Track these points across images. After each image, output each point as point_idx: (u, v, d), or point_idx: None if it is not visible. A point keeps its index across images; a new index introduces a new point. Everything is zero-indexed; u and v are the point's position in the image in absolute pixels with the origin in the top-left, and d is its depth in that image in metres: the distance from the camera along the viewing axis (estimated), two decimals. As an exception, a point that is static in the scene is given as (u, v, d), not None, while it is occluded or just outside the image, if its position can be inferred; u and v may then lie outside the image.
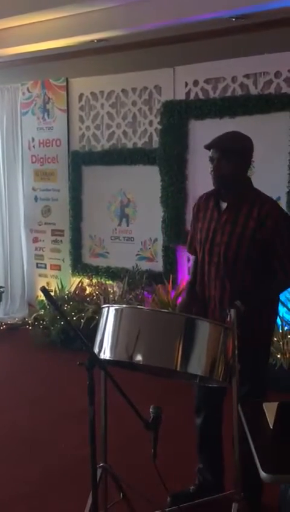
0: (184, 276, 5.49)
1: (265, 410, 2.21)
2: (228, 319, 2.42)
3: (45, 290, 2.05)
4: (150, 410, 2.24)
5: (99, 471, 2.48)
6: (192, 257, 3.12)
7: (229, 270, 2.78)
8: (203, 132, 5.13)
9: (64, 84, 6.40)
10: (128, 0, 4.96)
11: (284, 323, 4.84)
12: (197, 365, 2.35)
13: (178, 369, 2.34)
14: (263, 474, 1.84)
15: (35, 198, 6.80)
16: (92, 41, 5.73)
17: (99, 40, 5.70)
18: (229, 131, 2.90)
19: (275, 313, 2.99)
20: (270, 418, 2.10)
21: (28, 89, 6.72)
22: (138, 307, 2.58)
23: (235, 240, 2.76)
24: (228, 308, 2.54)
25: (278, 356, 4.64)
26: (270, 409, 2.16)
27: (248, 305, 2.60)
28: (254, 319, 2.76)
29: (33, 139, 6.74)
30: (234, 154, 2.76)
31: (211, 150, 2.80)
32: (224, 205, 2.84)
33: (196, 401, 3.06)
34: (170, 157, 5.51)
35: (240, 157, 2.80)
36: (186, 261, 5.57)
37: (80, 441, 3.66)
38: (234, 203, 2.80)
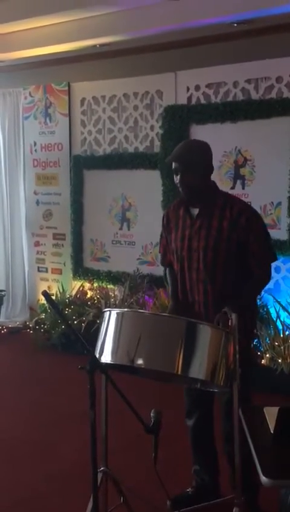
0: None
1: (266, 415, 2.21)
2: (229, 323, 2.42)
3: (46, 294, 2.06)
4: (151, 414, 2.24)
5: (100, 475, 2.48)
6: (167, 269, 3.11)
7: (209, 273, 2.81)
8: (205, 137, 5.08)
9: (66, 88, 6.42)
10: (131, 5, 4.99)
11: (285, 328, 4.84)
12: (198, 369, 2.36)
13: (179, 373, 2.35)
14: (263, 478, 1.84)
15: (37, 202, 6.82)
16: (94, 46, 5.75)
17: (101, 45, 5.72)
18: (186, 141, 3.00)
19: (255, 313, 3.05)
20: (271, 423, 2.10)
21: (30, 93, 6.74)
22: (139, 310, 2.59)
23: (212, 243, 2.79)
24: (218, 316, 2.58)
25: (279, 361, 4.64)
26: (271, 414, 2.16)
27: (235, 310, 2.59)
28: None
29: (35, 143, 6.75)
30: (196, 166, 2.80)
31: (173, 163, 2.83)
32: (195, 211, 2.87)
33: (186, 404, 3.09)
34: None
35: (202, 166, 2.83)
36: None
37: (81, 444, 3.65)
38: (206, 208, 2.84)
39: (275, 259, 2.90)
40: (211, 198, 2.86)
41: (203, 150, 2.87)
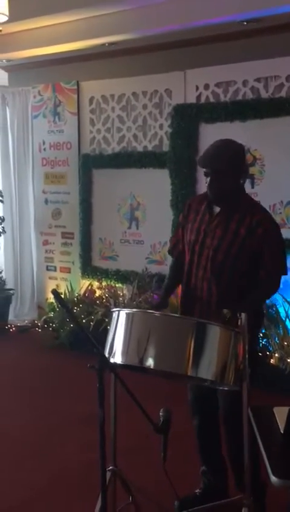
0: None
1: (275, 415, 2.20)
2: (239, 323, 2.42)
3: (55, 293, 2.05)
4: (160, 413, 2.24)
5: (108, 474, 2.48)
6: (173, 261, 3.11)
7: (215, 273, 2.79)
8: (214, 136, 5.07)
9: (75, 87, 6.42)
10: (140, 3, 4.98)
11: (294, 328, 4.82)
12: (208, 370, 2.35)
13: (189, 373, 2.35)
14: (273, 478, 1.83)
15: (46, 201, 6.82)
16: (104, 44, 5.75)
17: (110, 44, 5.71)
18: (219, 143, 2.82)
19: (260, 319, 3.01)
20: (281, 423, 2.09)
21: (39, 92, 6.74)
22: (148, 311, 2.57)
23: (225, 245, 2.77)
24: (222, 313, 2.58)
25: (289, 360, 4.62)
26: (280, 414, 2.15)
27: (235, 314, 2.55)
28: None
29: (44, 142, 6.76)
30: (228, 172, 2.75)
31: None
32: (217, 209, 2.85)
33: (190, 404, 3.07)
34: (180, 161, 5.51)
35: (234, 172, 2.78)
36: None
37: (89, 443, 3.66)
38: (227, 209, 2.81)
39: (286, 273, 2.83)
40: (235, 201, 2.82)
41: (234, 152, 2.79)
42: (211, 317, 2.65)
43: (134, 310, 2.63)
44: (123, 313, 2.47)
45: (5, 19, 2.72)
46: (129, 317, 2.46)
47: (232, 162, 2.76)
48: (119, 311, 2.50)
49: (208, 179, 2.78)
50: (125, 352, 2.40)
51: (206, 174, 2.80)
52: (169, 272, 3.13)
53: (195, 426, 3.08)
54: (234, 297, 2.76)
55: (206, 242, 2.82)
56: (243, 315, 2.42)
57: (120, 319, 2.46)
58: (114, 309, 2.55)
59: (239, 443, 2.43)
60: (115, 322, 2.48)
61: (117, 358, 2.40)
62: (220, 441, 3.06)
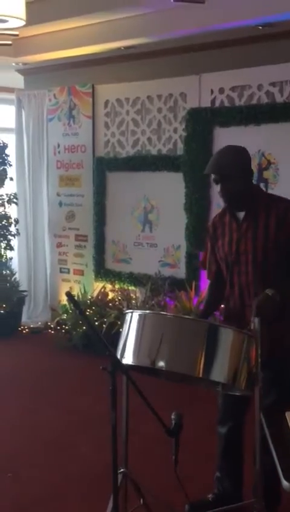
0: (207, 283, 5.48)
1: (288, 420, 2.20)
2: (252, 327, 2.42)
3: (69, 295, 2.07)
4: (172, 416, 2.24)
5: (120, 477, 2.48)
6: (209, 281, 3.11)
7: (259, 274, 2.77)
8: (228, 139, 5.11)
9: (90, 90, 6.45)
10: (156, 8, 4.99)
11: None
12: (220, 372, 2.35)
13: (200, 376, 2.35)
14: (285, 483, 1.83)
15: (60, 204, 6.85)
16: (119, 48, 5.77)
17: (126, 47, 5.73)
18: (222, 150, 2.90)
19: None
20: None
21: (54, 95, 6.78)
22: (161, 312, 2.59)
23: (260, 243, 2.77)
24: (258, 298, 2.56)
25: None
26: (292, 419, 2.15)
27: (282, 296, 2.58)
28: (283, 321, 2.74)
29: (59, 145, 6.79)
30: (235, 176, 2.79)
31: (212, 174, 2.84)
32: (241, 215, 2.86)
33: (221, 410, 3.03)
34: (195, 164, 5.51)
35: (240, 173, 2.81)
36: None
37: (101, 445, 3.67)
38: (251, 210, 2.82)
39: None
40: (255, 200, 2.84)
41: (240, 156, 2.85)
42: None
43: (147, 311, 2.63)
44: (136, 314, 2.49)
45: (22, 23, 2.74)
46: (142, 319, 2.47)
47: (236, 164, 2.81)
48: (132, 312, 2.51)
49: (219, 186, 2.81)
50: (137, 353, 2.41)
51: (215, 181, 2.83)
52: (206, 297, 3.13)
53: (221, 434, 3.03)
54: (281, 293, 2.71)
55: (241, 248, 2.82)
56: (256, 319, 2.42)
57: (133, 321, 2.47)
58: (127, 310, 2.57)
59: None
60: (128, 324, 2.49)
61: (129, 359, 2.41)
62: (243, 448, 3.04)
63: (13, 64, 6.61)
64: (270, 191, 5.16)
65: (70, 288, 6.54)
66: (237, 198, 2.82)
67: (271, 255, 2.76)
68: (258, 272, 2.78)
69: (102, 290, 6.34)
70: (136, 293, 6.05)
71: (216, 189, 2.86)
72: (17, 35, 2.82)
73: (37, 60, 6.40)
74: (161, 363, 2.35)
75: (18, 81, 7.14)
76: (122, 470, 2.56)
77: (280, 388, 2.75)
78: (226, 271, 2.91)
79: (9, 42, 2.87)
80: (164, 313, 2.55)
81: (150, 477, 3.13)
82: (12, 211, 6.87)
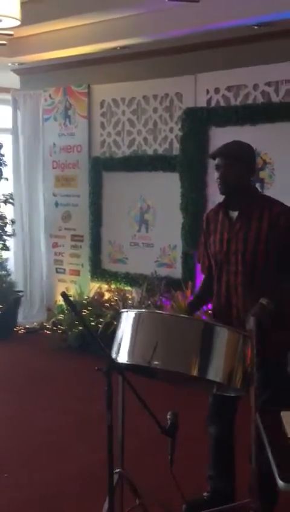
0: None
1: (283, 419, 2.20)
2: (247, 326, 2.42)
3: (64, 295, 2.07)
4: (168, 416, 2.24)
5: (115, 477, 2.48)
6: (203, 275, 3.13)
7: (248, 275, 2.79)
8: (224, 139, 5.04)
9: (86, 90, 6.44)
10: (151, 8, 4.99)
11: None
12: (215, 372, 2.35)
13: (195, 374, 2.35)
14: (280, 483, 1.83)
15: (56, 204, 6.85)
16: (115, 48, 5.77)
17: (122, 47, 5.73)
18: (232, 140, 2.95)
19: None
20: (288, 427, 2.09)
21: (50, 96, 6.77)
22: (157, 311, 2.59)
23: (251, 244, 2.77)
24: (254, 308, 2.57)
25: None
26: (288, 418, 2.15)
27: (275, 303, 2.60)
28: (280, 320, 2.74)
29: (54, 145, 6.79)
30: (239, 162, 2.82)
31: (217, 158, 2.86)
32: (234, 214, 2.87)
33: (210, 409, 3.04)
34: (191, 164, 5.52)
35: (245, 164, 2.86)
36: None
37: (97, 445, 3.66)
38: (245, 210, 2.83)
39: None
40: (251, 200, 2.85)
41: (247, 150, 2.90)
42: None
43: (142, 310, 2.64)
44: (131, 313, 2.49)
45: (18, 23, 2.74)
46: (137, 317, 2.47)
47: (242, 155, 2.85)
48: (127, 311, 2.52)
49: (219, 172, 2.82)
50: (132, 352, 2.41)
51: (217, 167, 2.84)
52: (198, 290, 3.15)
53: (211, 434, 3.05)
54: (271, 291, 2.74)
55: (232, 248, 2.82)
56: (251, 319, 2.42)
57: (128, 319, 2.47)
58: (123, 310, 2.57)
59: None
60: (123, 323, 2.50)
61: (123, 358, 2.40)
62: (233, 446, 3.05)
63: (9, 64, 6.61)
64: (266, 191, 5.16)
65: (67, 288, 6.54)
66: (234, 189, 2.83)
67: (261, 257, 2.77)
68: (247, 273, 2.78)
69: (98, 290, 6.34)
70: (132, 293, 6.05)
71: (215, 176, 2.86)
72: (12, 35, 2.81)
73: (32, 60, 6.40)
74: (156, 362, 2.34)
75: (14, 81, 7.13)
76: (118, 470, 2.56)
77: (276, 385, 2.76)
78: (215, 268, 2.92)
79: (4, 42, 2.86)
80: (159, 311, 2.54)
81: (146, 477, 3.13)
82: (8, 211, 6.86)
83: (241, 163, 2.82)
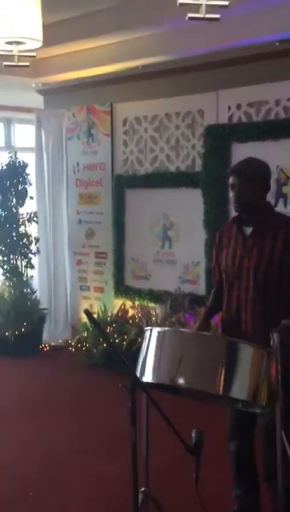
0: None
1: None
2: (272, 343, 2.40)
3: (88, 313, 2.07)
4: (192, 434, 2.23)
5: (140, 496, 2.46)
6: (213, 289, 3.14)
7: (259, 293, 2.78)
8: (246, 155, 5.06)
9: (109, 109, 6.50)
10: (173, 26, 5.04)
11: None
12: (240, 390, 2.34)
13: (221, 393, 2.33)
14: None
15: (79, 221, 6.89)
16: (137, 67, 5.82)
17: (144, 66, 5.79)
18: (246, 158, 2.96)
19: None
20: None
21: (73, 114, 6.85)
22: (181, 329, 2.59)
23: (264, 262, 2.77)
24: (275, 330, 2.54)
25: None
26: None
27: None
28: None
29: (78, 163, 6.85)
30: (254, 180, 2.82)
31: (231, 177, 2.86)
32: (248, 230, 2.87)
33: (229, 426, 3.03)
34: (213, 180, 5.52)
35: (259, 182, 2.85)
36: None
37: (122, 463, 3.65)
38: (260, 227, 2.83)
39: None
40: (266, 217, 2.85)
41: (262, 168, 2.89)
42: (258, 340, 2.63)
43: (166, 328, 2.63)
44: (155, 331, 2.49)
45: (39, 45, 2.78)
46: (161, 335, 2.47)
47: (257, 173, 2.84)
48: (151, 329, 2.51)
49: (234, 190, 2.83)
50: (157, 370, 2.41)
51: (232, 186, 2.85)
52: (211, 300, 3.15)
53: (232, 450, 3.03)
54: (279, 314, 2.73)
55: (244, 264, 2.82)
56: (275, 335, 2.40)
57: (152, 337, 2.47)
58: (147, 327, 2.56)
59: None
60: (147, 340, 2.49)
61: (148, 377, 2.40)
62: (255, 463, 3.02)
63: (33, 85, 6.71)
64: (289, 207, 5.15)
65: (91, 305, 6.56)
66: (249, 208, 2.84)
67: (273, 275, 2.77)
68: (259, 290, 2.78)
69: (122, 307, 6.34)
70: (156, 310, 6.04)
71: (230, 195, 2.88)
72: (34, 56, 2.85)
73: (56, 80, 6.49)
74: (181, 381, 2.34)
75: (37, 101, 7.23)
76: (143, 488, 2.54)
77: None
78: (226, 283, 2.92)
79: (27, 64, 2.91)
80: (183, 329, 2.54)
81: (171, 496, 3.11)
82: (32, 229, 6.93)
83: (256, 181, 2.82)
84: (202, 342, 2.45)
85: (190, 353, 2.38)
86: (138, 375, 2.41)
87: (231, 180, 2.86)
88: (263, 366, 2.36)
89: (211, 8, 2.14)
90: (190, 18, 2.14)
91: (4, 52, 2.80)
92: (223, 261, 2.93)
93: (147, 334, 2.52)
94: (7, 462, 4.01)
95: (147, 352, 2.47)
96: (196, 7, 2.15)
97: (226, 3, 2.13)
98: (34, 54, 2.84)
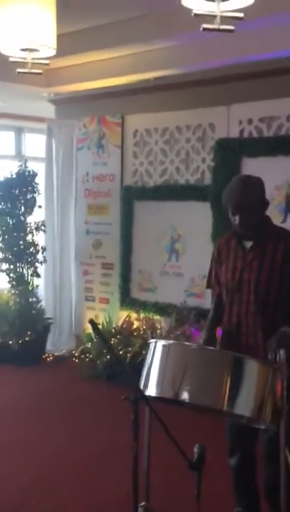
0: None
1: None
2: (277, 359, 2.37)
3: (93, 323, 2.05)
4: (195, 449, 2.19)
5: (140, 511, 2.43)
6: (213, 300, 3.10)
7: (260, 306, 2.78)
8: (256, 170, 5.08)
9: (120, 120, 6.52)
10: (185, 40, 5.05)
11: None
12: (245, 406, 2.31)
13: (225, 409, 2.30)
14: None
15: (87, 232, 6.89)
16: (149, 79, 5.84)
17: (156, 78, 5.80)
18: (239, 181, 2.87)
19: None
20: None
21: (84, 125, 6.86)
22: (186, 343, 2.56)
23: (264, 275, 2.77)
24: (274, 342, 2.53)
25: None
26: None
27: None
28: None
29: (87, 174, 6.86)
30: (254, 208, 2.79)
31: (231, 208, 2.82)
32: (248, 244, 2.86)
33: (229, 441, 2.99)
34: (222, 194, 5.49)
35: (261, 206, 2.84)
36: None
37: (122, 476, 3.61)
38: (260, 241, 2.83)
39: None
40: (265, 230, 2.85)
41: (258, 189, 2.85)
42: (259, 353, 2.60)
43: (171, 341, 2.61)
44: (160, 344, 2.46)
45: (53, 53, 2.79)
46: (166, 349, 2.44)
47: (256, 197, 2.81)
48: (156, 342, 2.49)
49: (237, 217, 2.79)
50: (161, 384, 2.38)
51: (233, 213, 2.82)
52: (212, 314, 3.10)
53: (232, 466, 3.00)
54: (281, 326, 2.72)
55: (244, 277, 2.82)
56: (281, 351, 2.37)
57: (157, 350, 2.45)
58: (151, 340, 2.54)
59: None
60: (151, 353, 2.47)
61: (152, 390, 2.37)
62: (256, 480, 2.98)
63: (45, 94, 6.74)
64: (299, 222, 5.13)
65: (96, 316, 6.53)
66: (254, 229, 2.83)
67: (274, 287, 2.76)
68: (260, 303, 2.77)
69: (127, 319, 6.31)
70: (161, 322, 6.01)
71: (231, 219, 2.84)
72: (47, 64, 2.86)
73: (68, 90, 6.51)
74: (185, 395, 2.31)
75: (49, 110, 7.26)
76: (143, 503, 2.50)
77: None
78: (226, 297, 2.90)
79: (40, 71, 2.91)
80: (188, 343, 2.52)
81: (171, 511, 3.06)
82: (40, 238, 6.93)
83: (256, 207, 2.80)
84: (206, 357, 2.43)
85: (194, 367, 2.35)
86: (142, 387, 2.38)
87: (230, 208, 2.82)
88: (269, 382, 2.33)
89: (225, 20, 2.13)
90: (205, 29, 2.13)
91: (18, 59, 2.80)
92: (223, 275, 2.92)
93: (152, 346, 2.49)
94: (8, 472, 3.98)
95: (151, 365, 2.44)
96: (211, 19, 2.14)
97: (241, 15, 2.12)
98: (47, 61, 2.84)
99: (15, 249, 6.68)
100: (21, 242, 6.70)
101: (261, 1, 2.26)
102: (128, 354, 5.53)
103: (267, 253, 2.78)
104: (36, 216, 6.92)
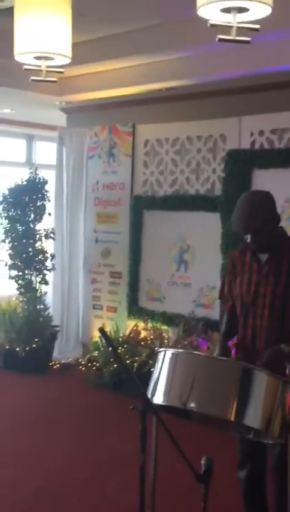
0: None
1: None
2: (288, 371, 2.35)
3: (102, 331, 2.05)
4: (202, 461, 2.17)
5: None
6: (226, 314, 3.07)
7: (276, 320, 2.76)
8: (267, 181, 5.11)
9: (131, 130, 6.53)
10: (197, 51, 5.07)
11: None
12: (253, 417, 2.28)
13: (233, 419, 2.28)
14: None
15: (96, 240, 6.89)
16: (161, 89, 5.86)
17: (167, 89, 5.82)
18: (247, 200, 2.83)
19: None
20: None
21: (95, 134, 6.89)
22: (194, 352, 2.55)
23: (281, 289, 2.75)
24: (269, 351, 2.52)
25: None
26: None
27: None
28: None
29: (97, 182, 6.87)
30: (263, 227, 2.76)
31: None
32: (263, 257, 2.84)
33: (238, 453, 2.97)
34: (232, 205, 5.39)
35: (270, 221, 2.79)
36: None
37: (129, 486, 3.59)
38: (275, 254, 2.80)
39: None
40: (280, 243, 2.83)
41: (267, 206, 2.81)
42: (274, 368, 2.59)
43: (180, 350, 2.60)
44: (169, 353, 2.45)
45: (68, 61, 2.80)
46: (174, 358, 2.43)
47: (266, 215, 2.77)
48: (165, 351, 2.48)
49: (249, 236, 2.77)
50: (168, 393, 2.37)
51: (245, 234, 2.80)
52: (223, 326, 3.08)
53: (242, 478, 2.97)
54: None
55: (260, 291, 2.80)
56: (290, 364, 2.36)
57: (165, 359, 2.43)
58: (160, 349, 2.53)
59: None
60: (160, 362, 2.46)
61: (159, 399, 2.36)
62: (265, 494, 2.95)
63: (57, 103, 6.77)
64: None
65: (103, 325, 6.51)
66: (267, 245, 2.82)
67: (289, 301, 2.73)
68: (276, 317, 2.75)
69: (134, 328, 6.30)
70: (169, 332, 5.99)
71: (244, 237, 2.83)
72: (62, 72, 2.87)
73: (80, 99, 6.54)
74: (192, 404, 2.29)
75: (60, 119, 7.29)
76: (148, 514, 2.48)
77: None
78: (241, 310, 2.87)
79: (55, 79, 2.92)
80: (197, 352, 2.51)
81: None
82: (48, 245, 6.93)
83: (268, 225, 2.77)
84: (215, 366, 2.41)
85: (203, 377, 2.34)
86: (149, 396, 2.36)
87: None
88: (278, 394, 2.31)
89: (241, 31, 2.13)
90: (220, 39, 2.12)
91: (32, 67, 2.81)
92: (238, 288, 2.90)
93: (161, 355, 2.48)
94: (14, 480, 3.96)
95: (159, 374, 2.43)
96: (226, 29, 2.14)
97: (257, 26, 2.12)
98: (62, 70, 2.85)
99: (24, 255, 6.69)
100: (30, 249, 6.71)
101: (276, 12, 2.25)
102: (135, 364, 5.50)
103: (283, 267, 2.76)
104: (45, 223, 6.93)
